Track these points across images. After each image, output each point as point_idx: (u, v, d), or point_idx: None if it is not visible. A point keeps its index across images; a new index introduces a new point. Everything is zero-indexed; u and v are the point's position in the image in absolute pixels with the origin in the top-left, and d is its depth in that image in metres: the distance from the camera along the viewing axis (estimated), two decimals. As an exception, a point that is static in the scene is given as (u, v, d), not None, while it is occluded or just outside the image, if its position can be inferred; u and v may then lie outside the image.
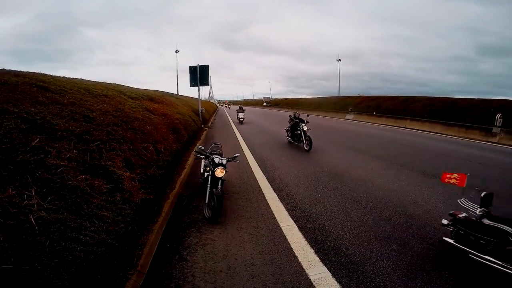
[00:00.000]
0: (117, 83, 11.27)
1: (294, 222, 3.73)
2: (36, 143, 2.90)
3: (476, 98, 21.68)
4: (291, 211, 4.09)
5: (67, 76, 7.76)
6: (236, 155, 4.39)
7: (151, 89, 17.92)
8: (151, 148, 5.22)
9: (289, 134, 9.96)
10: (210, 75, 15.94)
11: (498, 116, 12.96)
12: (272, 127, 16.61)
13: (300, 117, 9.80)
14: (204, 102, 29.04)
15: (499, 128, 12.74)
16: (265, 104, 72.67)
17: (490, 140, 12.68)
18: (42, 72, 6.68)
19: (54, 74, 7.08)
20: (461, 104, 20.18)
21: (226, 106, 67.88)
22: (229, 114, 32.36)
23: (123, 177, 3.53)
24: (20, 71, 5.85)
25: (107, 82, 10.30)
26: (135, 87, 13.08)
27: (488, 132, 13.13)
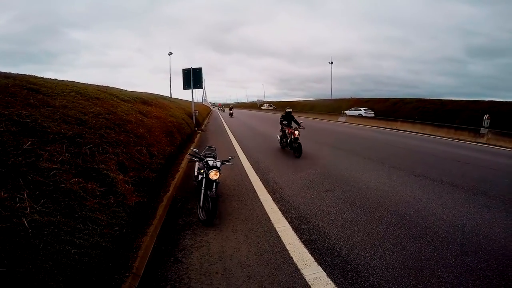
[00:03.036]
0: (108, 85, 11.18)
1: (289, 223, 3.76)
2: (27, 146, 2.87)
3: (464, 100, 22.24)
4: (286, 212, 4.11)
5: (56, 79, 7.65)
6: (230, 157, 4.39)
7: (143, 91, 17.82)
8: (144, 151, 5.19)
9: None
10: (203, 77, 15.93)
11: (485, 117, 13.30)
12: (263, 128, 16.67)
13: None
14: (198, 104, 28.95)
15: (487, 129, 13.07)
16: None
17: (478, 140, 12.99)
18: (30, 74, 6.58)
19: (42, 76, 6.98)
20: (451, 106, 20.66)
21: (220, 109, 63.56)
22: (223, 117, 32.33)
23: (116, 180, 3.50)
24: (10, 73, 5.76)
25: (98, 84, 10.21)
26: (127, 90, 12.98)
27: (476, 133, 13.44)
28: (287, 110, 9.34)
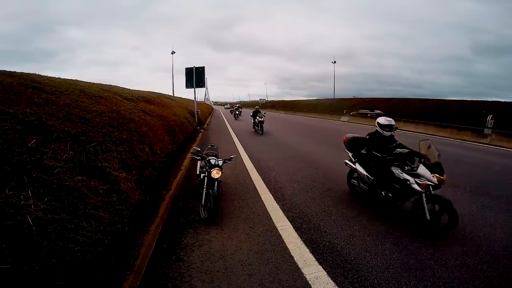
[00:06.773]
0: (109, 84, 11.23)
1: (290, 222, 3.77)
2: (32, 144, 2.90)
3: (469, 100, 22.10)
4: (287, 211, 4.13)
5: (59, 77, 7.71)
6: (232, 156, 4.41)
7: (145, 90, 17.89)
8: (147, 149, 5.22)
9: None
10: (205, 76, 15.96)
11: (489, 117, 13.19)
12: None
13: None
14: (200, 103, 28.95)
15: (490, 129, 12.96)
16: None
17: (481, 141, 12.89)
18: (34, 73, 6.64)
19: (46, 75, 7.03)
20: (454, 106, 20.54)
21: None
22: (225, 116, 32.33)
23: (119, 178, 3.53)
24: (14, 71, 5.82)
25: (100, 83, 10.26)
26: (130, 89, 13.05)
27: (479, 133, 13.34)
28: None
